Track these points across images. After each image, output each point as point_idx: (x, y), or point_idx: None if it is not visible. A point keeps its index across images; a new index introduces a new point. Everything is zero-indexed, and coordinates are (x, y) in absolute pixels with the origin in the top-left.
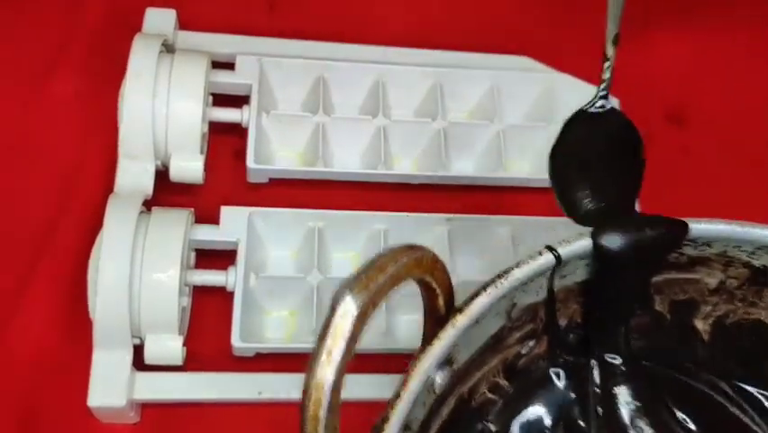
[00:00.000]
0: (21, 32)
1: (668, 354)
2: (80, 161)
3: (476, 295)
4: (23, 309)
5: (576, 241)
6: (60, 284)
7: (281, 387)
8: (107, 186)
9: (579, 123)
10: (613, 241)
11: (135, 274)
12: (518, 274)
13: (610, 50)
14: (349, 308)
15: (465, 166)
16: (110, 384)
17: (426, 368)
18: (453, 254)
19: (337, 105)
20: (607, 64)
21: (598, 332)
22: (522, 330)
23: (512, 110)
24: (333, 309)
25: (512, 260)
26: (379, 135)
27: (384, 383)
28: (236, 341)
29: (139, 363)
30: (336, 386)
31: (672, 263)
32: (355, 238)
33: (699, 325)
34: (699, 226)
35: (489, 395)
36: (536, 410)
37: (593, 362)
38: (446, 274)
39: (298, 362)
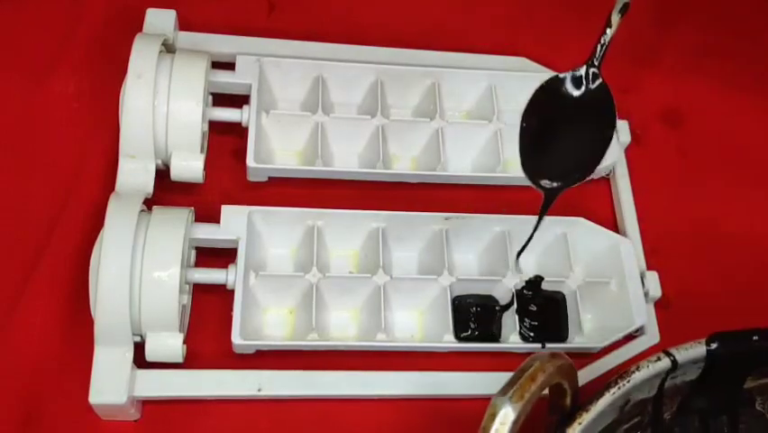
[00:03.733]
0: (22, 31)
1: None
2: (81, 161)
3: (600, 396)
4: (25, 308)
5: (692, 347)
6: (62, 282)
7: (281, 384)
8: (108, 185)
9: (562, 86)
10: (726, 345)
11: (136, 273)
12: (638, 377)
13: (615, 18)
14: (508, 416)
15: (463, 165)
16: (111, 382)
17: None
18: (451, 253)
19: (336, 104)
20: (607, 33)
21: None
22: (630, 422)
23: (509, 110)
24: (492, 416)
25: (509, 259)
26: (378, 135)
27: (386, 381)
28: (236, 339)
29: (140, 360)
30: None
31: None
32: (354, 236)
33: None
34: None
35: None
36: None
37: None
38: (576, 377)
39: (298, 359)
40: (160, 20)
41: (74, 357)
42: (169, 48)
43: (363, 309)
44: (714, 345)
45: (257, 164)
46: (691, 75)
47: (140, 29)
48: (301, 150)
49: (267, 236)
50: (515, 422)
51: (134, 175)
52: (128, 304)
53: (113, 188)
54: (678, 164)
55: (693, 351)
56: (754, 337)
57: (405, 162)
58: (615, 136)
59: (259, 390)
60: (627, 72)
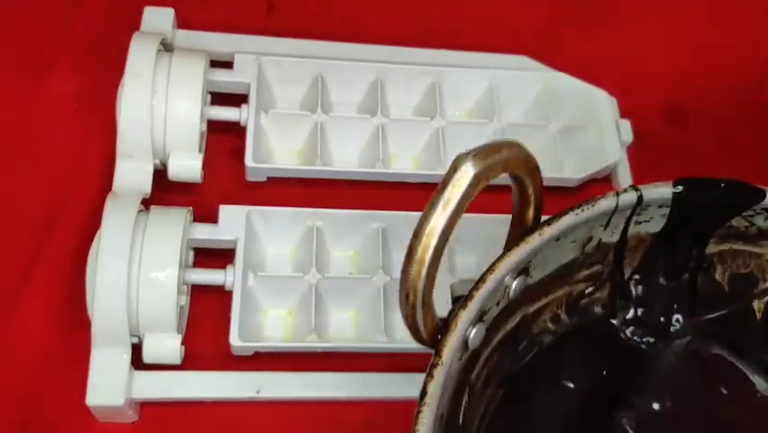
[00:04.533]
0: (20, 31)
1: (720, 327)
2: (79, 160)
3: (563, 214)
4: (22, 309)
5: (659, 186)
6: (59, 283)
7: (279, 386)
8: (106, 185)
9: None
10: (693, 189)
11: (133, 273)
12: (603, 205)
13: None
14: (468, 170)
15: None
16: (108, 383)
17: (511, 263)
18: (452, 253)
19: (336, 103)
20: None
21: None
22: (590, 268)
23: (510, 109)
24: (454, 169)
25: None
26: (378, 134)
27: (386, 383)
28: (235, 340)
29: (137, 362)
30: (446, 234)
31: (741, 233)
32: (353, 237)
33: (755, 304)
34: None
35: (549, 324)
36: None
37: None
38: (541, 185)
39: (297, 360)
40: (157, 18)
41: (71, 359)
42: (167, 47)
43: (363, 310)
44: (680, 188)
45: (256, 164)
46: (694, 74)
47: (137, 27)
48: (300, 149)
49: (266, 237)
50: (474, 176)
51: (132, 175)
52: (125, 305)
53: (110, 188)
54: (680, 164)
55: (660, 190)
56: (722, 185)
57: (405, 162)
58: (617, 136)
59: (257, 391)
60: (630, 71)
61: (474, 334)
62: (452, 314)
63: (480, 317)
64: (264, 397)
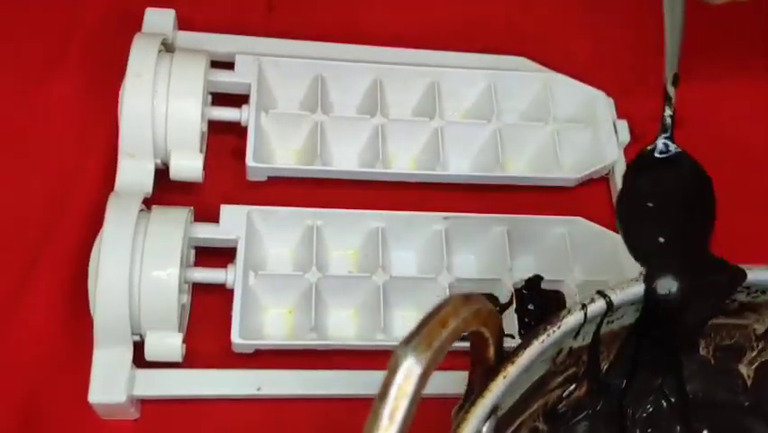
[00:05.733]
0: (21, 31)
1: (710, 397)
2: (80, 160)
3: (527, 344)
4: (25, 307)
5: (628, 287)
6: (61, 282)
7: (280, 383)
8: (107, 184)
9: (645, 168)
10: (666, 287)
11: (135, 272)
12: (571, 322)
13: (671, 91)
14: (412, 369)
15: (462, 165)
16: (110, 381)
17: (478, 419)
18: (450, 253)
19: (335, 104)
20: (668, 108)
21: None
22: (564, 374)
23: (508, 109)
24: (394, 369)
25: (508, 258)
26: (377, 134)
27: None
28: (236, 338)
29: (139, 359)
30: None
31: (722, 309)
32: (353, 236)
33: (743, 370)
34: (757, 274)
35: None
36: None
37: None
38: (500, 324)
39: (297, 358)
40: (159, 19)
41: (73, 356)
42: (168, 47)
43: (362, 309)
44: (656, 284)
45: (256, 164)
46: (692, 74)
47: (139, 28)
48: (300, 149)
49: (266, 236)
50: (421, 376)
51: (133, 174)
52: (127, 303)
53: (112, 188)
54: None
55: (630, 291)
56: (702, 277)
57: (404, 162)
58: (614, 136)
59: (258, 389)
60: (627, 71)
61: None
62: None
63: None
64: (265, 394)
